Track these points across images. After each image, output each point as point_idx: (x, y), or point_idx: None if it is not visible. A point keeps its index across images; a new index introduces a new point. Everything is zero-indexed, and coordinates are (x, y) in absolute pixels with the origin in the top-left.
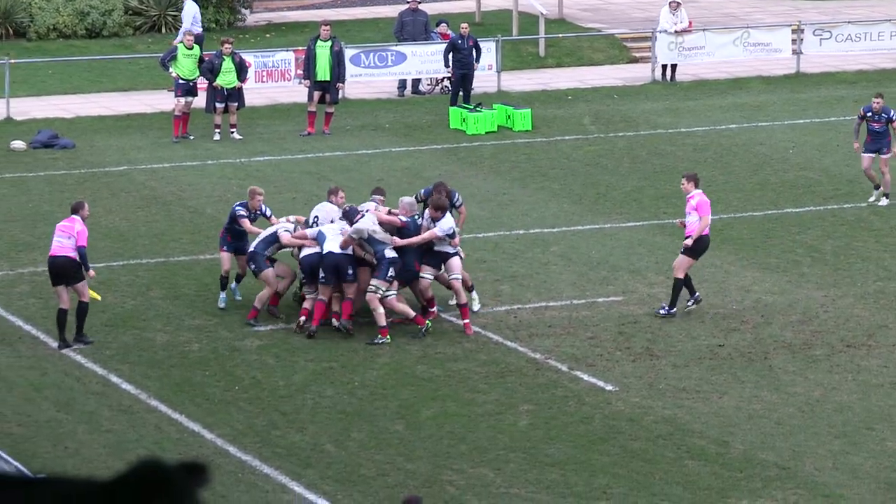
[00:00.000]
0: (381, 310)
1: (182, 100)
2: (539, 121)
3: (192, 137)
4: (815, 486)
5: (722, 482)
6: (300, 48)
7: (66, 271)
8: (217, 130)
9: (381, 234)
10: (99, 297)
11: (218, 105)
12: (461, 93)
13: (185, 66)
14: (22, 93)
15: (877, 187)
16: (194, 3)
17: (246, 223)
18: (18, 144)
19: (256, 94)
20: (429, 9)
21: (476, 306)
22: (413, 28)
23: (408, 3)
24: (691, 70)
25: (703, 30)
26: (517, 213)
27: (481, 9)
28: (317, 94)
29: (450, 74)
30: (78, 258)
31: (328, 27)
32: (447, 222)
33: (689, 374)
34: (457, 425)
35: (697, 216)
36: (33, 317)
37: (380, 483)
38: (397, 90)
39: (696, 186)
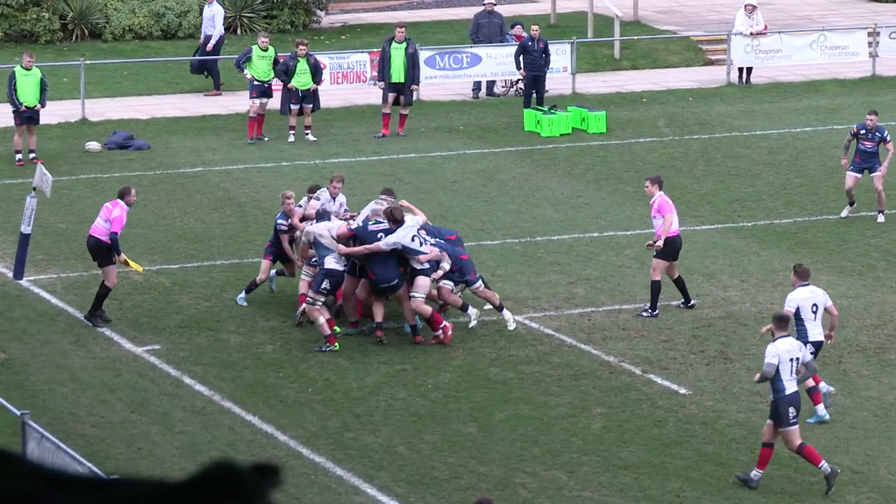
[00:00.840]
0: (322, 320)
1: (257, 101)
2: (613, 123)
3: (266, 139)
4: (888, 490)
5: (795, 486)
6: (375, 50)
7: (95, 252)
8: (292, 132)
9: (326, 240)
10: (141, 269)
11: (293, 107)
12: (534, 95)
13: (259, 67)
14: (97, 94)
15: (851, 203)
16: (220, 7)
17: (285, 241)
18: (93, 145)
19: (331, 95)
20: (504, 11)
21: (511, 326)
22: (488, 30)
23: (483, 4)
24: (766, 73)
25: (779, 32)
26: (591, 215)
27: (557, 11)
28: (391, 96)
29: (521, 77)
30: (109, 242)
31: (403, 29)
32: (394, 237)
33: None
34: (530, 428)
35: (662, 215)
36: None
37: (452, 486)
38: (472, 92)
39: (660, 189)
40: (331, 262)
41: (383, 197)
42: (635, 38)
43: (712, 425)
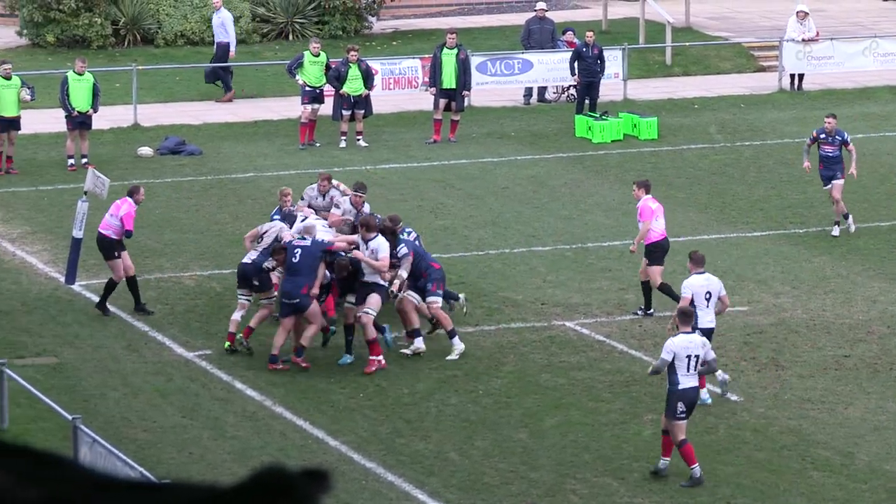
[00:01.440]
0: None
1: (309, 107)
2: (665, 129)
3: (318, 144)
4: None
5: (846, 493)
6: (426, 56)
7: (100, 246)
8: (343, 138)
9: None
10: None
11: (344, 112)
12: (587, 101)
13: (311, 73)
14: (149, 99)
15: (846, 216)
16: (228, 13)
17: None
18: (146, 151)
19: (382, 101)
20: (556, 17)
21: (453, 356)
22: (540, 36)
23: (535, 10)
24: (818, 79)
25: (831, 39)
26: None
27: (608, 17)
28: (443, 102)
29: (576, 83)
30: (113, 237)
31: (454, 35)
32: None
33: (815, 385)
34: (581, 434)
35: (642, 221)
36: (159, 322)
37: (503, 491)
38: (523, 98)
39: (647, 193)
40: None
41: (348, 194)
42: (687, 44)
43: (763, 432)
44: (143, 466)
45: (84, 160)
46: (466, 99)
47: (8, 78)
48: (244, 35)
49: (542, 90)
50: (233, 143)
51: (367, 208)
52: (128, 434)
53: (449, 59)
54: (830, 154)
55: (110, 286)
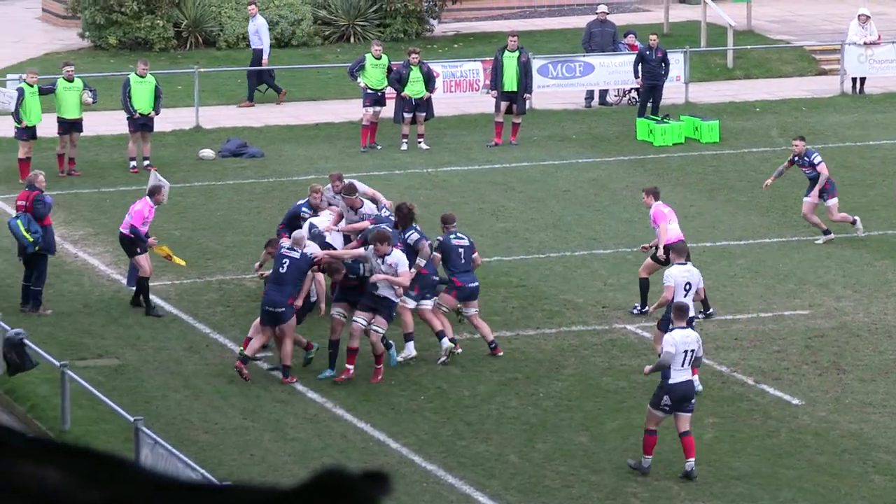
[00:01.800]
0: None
1: (370, 109)
2: (727, 133)
3: (379, 147)
4: None
5: None
6: (488, 58)
7: (122, 244)
8: (404, 140)
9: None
10: (184, 263)
11: (406, 115)
12: (650, 104)
13: (373, 75)
14: (211, 101)
15: (853, 222)
16: (264, 20)
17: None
18: (207, 153)
19: (444, 104)
20: (617, 20)
21: (399, 357)
22: (601, 39)
23: (596, 13)
24: (880, 83)
25: (893, 42)
26: (704, 225)
27: (670, 20)
28: (504, 105)
29: (638, 85)
30: (131, 235)
31: (516, 38)
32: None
33: (876, 389)
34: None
35: (657, 225)
36: (220, 324)
37: (564, 494)
38: (585, 101)
39: (656, 199)
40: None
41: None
42: (748, 47)
43: (825, 436)
44: (205, 468)
45: (146, 162)
46: (528, 102)
47: (70, 80)
48: (306, 38)
49: (604, 93)
50: (294, 146)
51: (367, 208)
52: (189, 436)
53: (510, 61)
54: (808, 175)
55: (143, 285)
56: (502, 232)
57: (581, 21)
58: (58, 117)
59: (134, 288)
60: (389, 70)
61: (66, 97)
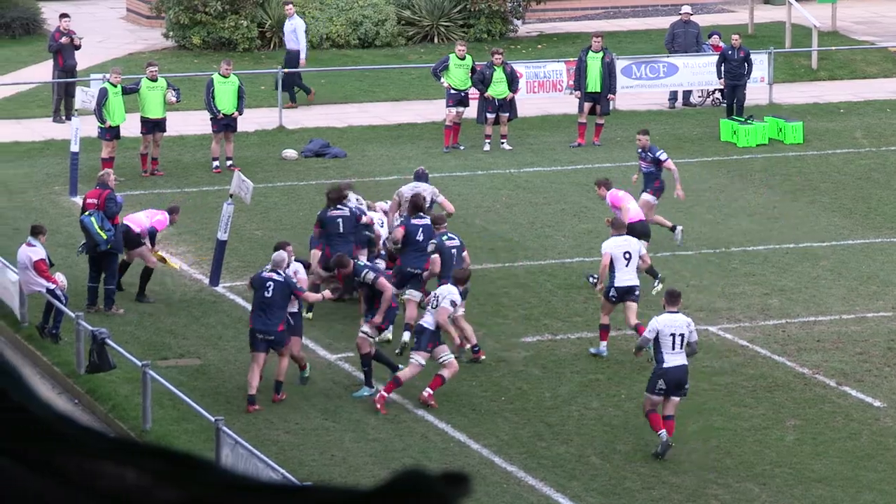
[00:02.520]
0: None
1: (453, 110)
2: (811, 134)
3: (462, 148)
4: None
5: None
6: (571, 59)
7: (126, 238)
8: (487, 141)
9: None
10: (177, 267)
11: (489, 115)
12: (734, 105)
13: (456, 76)
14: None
15: (672, 229)
16: (301, 21)
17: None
18: (290, 153)
19: (527, 104)
20: (701, 21)
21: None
22: (685, 39)
23: (680, 14)
24: None
25: None
26: (787, 226)
27: (754, 21)
28: (587, 106)
29: (721, 86)
30: (138, 231)
31: (600, 38)
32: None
33: None
34: (723, 439)
35: (618, 208)
36: (303, 325)
37: (644, 496)
38: (668, 102)
39: (608, 189)
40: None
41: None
42: (833, 48)
43: None
44: (285, 468)
45: (229, 162)
46: (611, 102)
47: (154, 80)
48: (389, 38)
49: (687, 94)
50: (376, 146)
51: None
52: (270, 436)
53: (594, 62)
54: (644, 170)
55: (146, 275)
56: (584, 233)
57: (665, 22)
58: (141, 117)
59: (216, 287)
60: (473, 70)
61: (150, 97)
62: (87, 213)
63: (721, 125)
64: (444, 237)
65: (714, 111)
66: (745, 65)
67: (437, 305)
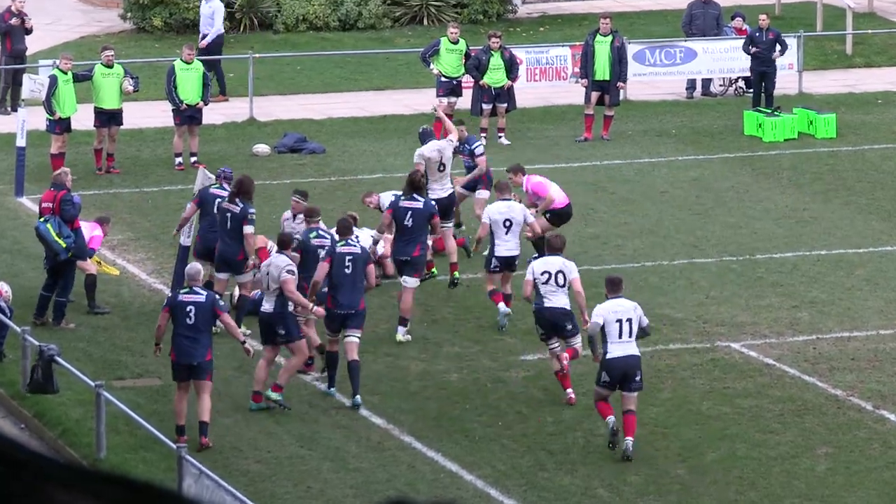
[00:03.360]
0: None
1: (445, 100)
2: (845, 127)
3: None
4: None
5: None
6: (577, 43)
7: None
8: (483, 135)
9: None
10: (117, 272)
11: (485, 106)
12: (762, 94)
13: (448, 62)
14: (267, 91)
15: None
16: (220, 3)
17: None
18: (262, 148)
19: (528, 94)
20: (722, 0)
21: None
22: (704, 21)
23: None
24: None
25: None
26: (818, 231)
27: (781, 0)
28: (595, 95)
29: (748, 74)
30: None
31: (608, 20)
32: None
33: None
34: (746, 469)
35: (541, 197)
36: None
37: None
38: (686, 91)
39: (524, 174)
40: None
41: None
42: (870, 31)
43: None
44: (256, 501)
45: (193, 159)
46: (622, 92)
47: (110, 66)
48: (373, 20)
49: (707, 82)
50: (359, 141)
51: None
52: (239, 465)
53: (602, 47)
54: (466, 164)
55: (91, 284)
56: (591, 238)
57: (681, 1)
58: (95, 108)
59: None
60: (467, 56)
61: (105, 85)
62: (42, 219)
63: (745, 117)
64: (313, 234)
65: (737, 102)
66: (778, 45)
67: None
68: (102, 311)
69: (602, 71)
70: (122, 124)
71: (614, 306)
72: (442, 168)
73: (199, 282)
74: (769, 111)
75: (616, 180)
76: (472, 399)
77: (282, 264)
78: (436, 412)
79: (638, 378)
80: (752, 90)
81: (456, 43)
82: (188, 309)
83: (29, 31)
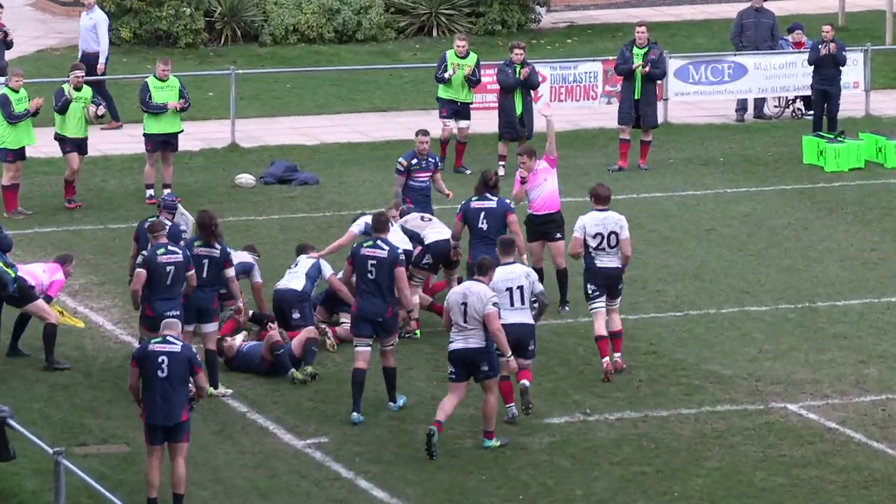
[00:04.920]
0: None
1: (448, 122)
2: None
3: (468, 172)
4: None
5: None
6: (610, 58)
7: (21, 292)
8: (501, 164)
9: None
10: (82, 325)
11: (508, 134)
12: (824, 117)
13: (453, 79)
14: (252, 112)
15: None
16: (103, 13)
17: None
18: (246, 179)
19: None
20: (777, 9)
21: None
22: (756, 33)
23: (749, 0)
24: None
25: None
26: (888, 274)
27: (846, 9)
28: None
29: (808, 93)
30: (33, 284)
31: (645, 30)
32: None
33: None
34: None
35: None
36: (260, 402)
37: None
38: (735, 113)
39: (535, 158)
40: None
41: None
42: None
43: None
44: None
45: (167, 191)
46: (660, 112)
47: (78, 89)
48: (375, 30)
49: (760, 103)
50: (358, 169)
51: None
52: None
53: (639, 61)
54: (418, 182)
55: (50, 334)
56: (628, 283)
57: (731, 10)
58: (57, 134)
59: None
60: (473, 73)
61: (73, 109)
62: None
63: (804, 143)
64: (161, 251)
65: (794, 125)
66: (843, 54)
67: None
68: (62, 367)
69: (638, 89)
70: (86, 153)
71: (505, 273)
72: (428, 219)
73: (175, 330)
74: (832, 136)
75: (655, 216)
76: (488, 469)
77: (486, 295)
78: (447, 484)
79: (532, 347)
80: (812, 112)
81: (464, 57)
82: (160, 360)
83: (9, 46)
